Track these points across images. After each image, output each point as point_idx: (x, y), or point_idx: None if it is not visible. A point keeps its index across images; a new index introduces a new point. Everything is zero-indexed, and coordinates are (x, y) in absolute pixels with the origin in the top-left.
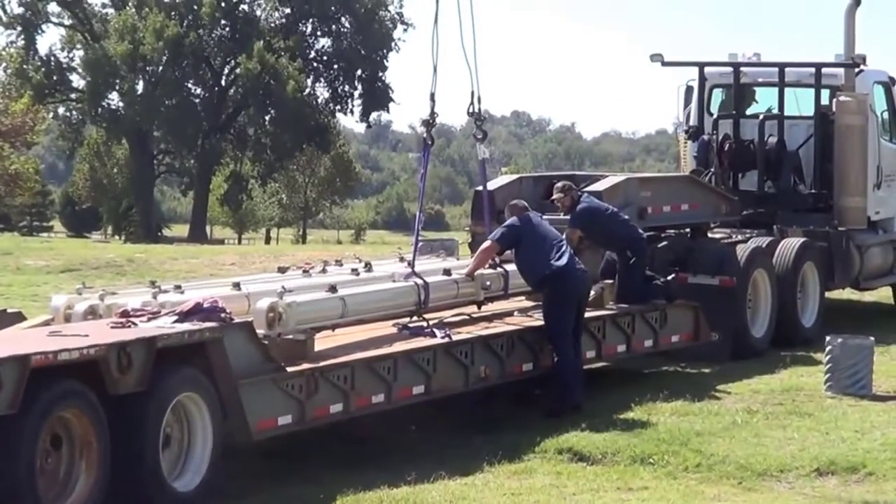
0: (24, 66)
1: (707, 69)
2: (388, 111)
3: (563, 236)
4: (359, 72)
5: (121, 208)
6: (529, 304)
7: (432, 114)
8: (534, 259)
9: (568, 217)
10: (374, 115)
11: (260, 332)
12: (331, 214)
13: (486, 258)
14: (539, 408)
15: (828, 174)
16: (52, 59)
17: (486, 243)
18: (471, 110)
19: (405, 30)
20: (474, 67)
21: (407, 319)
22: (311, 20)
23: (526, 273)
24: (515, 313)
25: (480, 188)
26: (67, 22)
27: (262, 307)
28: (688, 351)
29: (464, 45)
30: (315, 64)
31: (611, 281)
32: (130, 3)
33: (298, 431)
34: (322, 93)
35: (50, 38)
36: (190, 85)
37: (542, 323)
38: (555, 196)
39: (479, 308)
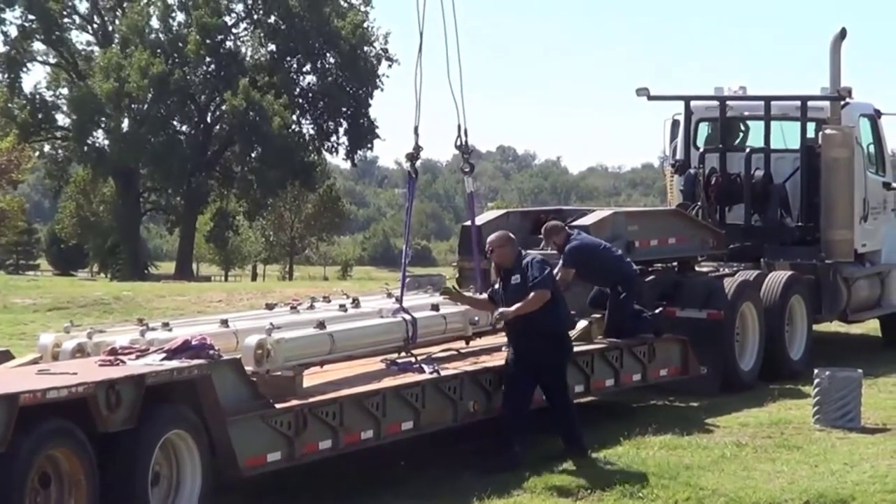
0: (9, 105)
1: (693, 103)
2: (372, 149)
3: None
4: (344, 108)
5: (107, 246)
6: None
7: (416, 147)
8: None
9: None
10: (359, 153)
11: (248, 368)
12: (317, 251)
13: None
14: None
15: (814, 207)
16: (38, 97)
17: (559, 272)
18: (458, 143)
19: (390, 66)
20: (461, 100)
21: (395, 355)
22: (296, 57)
23: (560, 320)
24: (503, 348)
25: (468, 223)
26: (52, 60)
27: (250, 344)
28: (676, 384)
29: (450, 79)
30: (300, 100)
31: (599, 315)
32: (115, 41)
33: (287, 467)
34: (308, 129)
35: (35, 77)
36: (175, 122)
37: None
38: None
39: (468, 343)
